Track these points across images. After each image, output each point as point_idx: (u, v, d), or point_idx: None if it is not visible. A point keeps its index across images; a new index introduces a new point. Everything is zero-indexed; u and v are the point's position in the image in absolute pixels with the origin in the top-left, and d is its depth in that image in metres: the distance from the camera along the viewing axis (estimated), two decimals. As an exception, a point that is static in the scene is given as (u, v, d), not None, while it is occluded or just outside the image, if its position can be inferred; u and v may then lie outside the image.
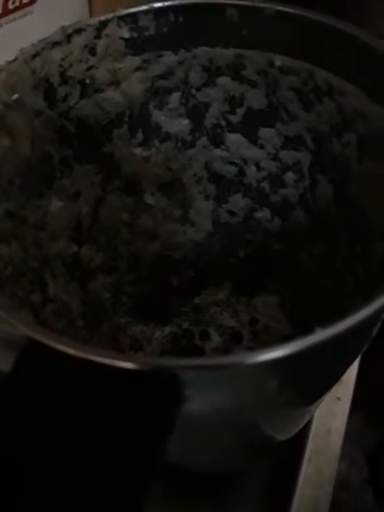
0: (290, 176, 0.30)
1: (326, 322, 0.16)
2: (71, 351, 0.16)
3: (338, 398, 0.38)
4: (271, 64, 0.27)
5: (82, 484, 0.18)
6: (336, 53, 0.25)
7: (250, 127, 0.30)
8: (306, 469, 0.35)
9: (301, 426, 0.32)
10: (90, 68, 0.27)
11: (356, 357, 0.22)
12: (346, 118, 0.26)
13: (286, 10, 0.25)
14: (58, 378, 0.17)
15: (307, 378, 0.20)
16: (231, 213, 0.34)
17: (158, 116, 0.29)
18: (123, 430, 0.18)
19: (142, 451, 0.18)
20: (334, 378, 0.23)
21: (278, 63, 0.26)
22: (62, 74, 0.26)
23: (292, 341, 0.15)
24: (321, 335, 0.15)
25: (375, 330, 0.19)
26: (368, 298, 0.16)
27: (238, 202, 0.33)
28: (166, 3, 0.26)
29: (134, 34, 0.27)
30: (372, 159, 0.25)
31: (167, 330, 0.34)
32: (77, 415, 0.18)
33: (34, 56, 0.25)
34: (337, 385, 0.39)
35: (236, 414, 0.21)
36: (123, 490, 0.18)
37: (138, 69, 0.28)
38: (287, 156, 0.30)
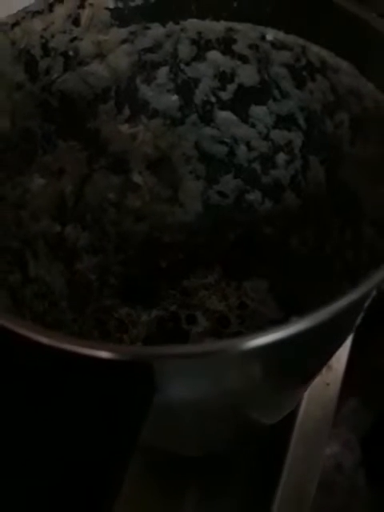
0: (281, 157, 0.29)
1: (314, 308, 0.15)
2: (44, 340, 0.15)
3: (328, 384, 0.38)
4: (263, 38, 0.26)
5: (55, 474, 0.17)
6: (330, 27, 0.24)
7: (240, 105, 0.29)
8: (294, 453, 0.35)
9: (287, 410, 0.31)
10: (73, 39, 0.25)
11: (342, 342, 0.21)
12: (339, 96, 0.25)
13: (279, -19, 0.24)
14: (32, 366, 0.17)
15: (292, 365, 0.19)
16: (222, 194, 0.33)
17: (146, 91, 0.28)
18: (99, 420, 0.18)
19: (120, 439, 0.18)
20: (321, 363, 0.23)
21: (269, 37, 0.25)
22: (44, 46, 0.25)
23: (273, 329, 0.15)
24: (305, 322, 0.15)
25: (360, 316, 0.19)
26: (355, 284, 0.16)
27: (228, 182, 0.32)
28: (153, -28, 0.25)
29: (120, 5, 0.25)
30: (364, 140, 0.24)
31: (154, 313, 0.33)
32: (51, 401, 0.17)
33: (14, 25, 0.24)
34: (326, 370, 0.39)
35: (220, 400, 0.21)
36: (99, 480, 0.17)
37: (124, 41, 0.26)
38: (279, 136, 0.29)
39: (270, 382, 0.20)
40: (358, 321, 0.19)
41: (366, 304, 0.18)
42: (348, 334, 0.20)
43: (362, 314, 0.19)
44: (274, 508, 0.33)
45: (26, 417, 0.17)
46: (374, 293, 0.18)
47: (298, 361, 0.19)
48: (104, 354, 0.15)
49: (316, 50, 0.25)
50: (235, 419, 0.26)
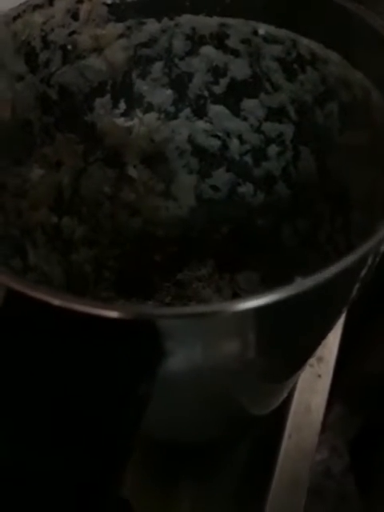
0: (272, 148, 0.30)
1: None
2: (46, 298, 0.15)
3: (319, 376, 0.39)
4: (255, 33, 0.27)
5: (55, 448, 0.18)
6: (318, 20, 0.25)
7: (233, 98, 0.30)
8: (287, 444, 0.36)
9: (279, 400, 0.32)
10: (72, 33, 0.26)
11: (337, 316, 0.22)
12: (329, 86, 0.26)
13: (270, -23, 0.25)
14: (30, 330, 0.17)
15: (286, 336, 0.20)
16: (214, 188, 0.34)
17: (141, 85, 0.29)
18: (100, 386, 0.18)
19: (120, 411, 0.18)
20: (314, 341, 0.24)
21: (261, 32, 0.26)
22: (44, 39, 0.26)
23: (270, 291, 0.15)
24: (298, 285, 0.16)
25: (355, 287, 0.20)
26: (351, 248, 0.17)
27: (221, 176, 0.33)
28: (149, -31, 0.26)
29: (117, 0, 0.26)
30: (353, 129, 0.25)
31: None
32: (50, 370, 0.18)
33: (15, 18, 0.24)
34: (318, 362, 0.40)
35: (215, 376, 0.21)
36: (101, 457, 0.18)
37: (120, 36, 0.27)
38: (270, 128, 0.30)
39: (264, 354, 0.20)
40: (355, 292, 0.20)
41: (363, 273, 0.19)
42: (343, 306, 0.21)
43: (358, 285, 0.20)
44: (268, 497, 0.34)
45: (29, 380, 0.18)
46: (370, 261, 0.19)
47: (292, 332, 0.20)
48: (109, 313, 0.15)
49: (306, 43, 0.26)
50: (231, 402, 0.26)
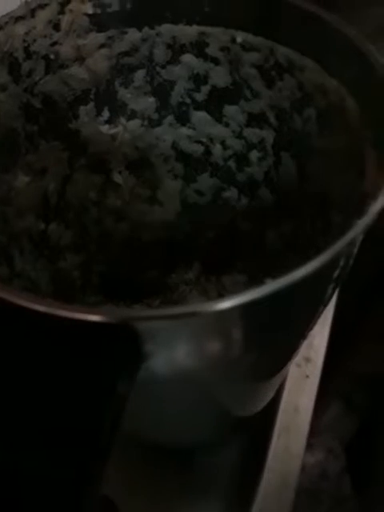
0: (254, 154, 0.31)
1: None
2: (28, 304, 0.16)
3: (307, 376, 0.39)
4: (233, 41, 0.27)
5: (36, 448, 0.18)
6: (294, 28, 0.25)
7: (214, 105, 0.30)
8: (276, 445, 0.36)
9: (266, 400, 0.32)
10: (54, 43, 0.27)
11: (314, 316, 0.22)
12: (306, 93, 0.26)
13: (246, -14, 0.26)
14: (12, 334, 0.18)
15: (266, 336, 0.20)
16: (199, 193, 0.34)
17: (124, 94, 0.30)
18: (82, 389, 0.18)
19: (102, 413, 0.18)
20: (294, 341, 0.24)
21: (239, 40, 0.27)
22: (26, 49, 0.26)
23: (249, 289, 0.16)
24: (269, 286, 0.16)
25: (330, 287, 0.20)
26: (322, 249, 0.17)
27: (205, 181, 0.34)
28: (128, -20, 0.27)
29: (98, 11, 0.27)
30: (330, 134, 0.26)
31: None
32: (32, 373, 0.18)
33: (-2, 30, 0.25)
34: (305, 363, 0.40)
35: (198, 376, 0.22)
36: (82, 456, 0.18)
37: (102, 46, 0.28)
38: (251, 134, 0.30)
39: (245, 353, 0.21)
40: (330, 292, 0.21)
41: (335, 274, 0.19)
42: (319, 306, 0.21)
43: (332, 285, 0.20)
44: (257, 498, 0.34)
45: (9, 382, 0.18)
46: (342, 263, 0.19)
47: (270, 331, 0.20)
48: (91, 318, 0.16)
49: (283, 51, 0.26)
50: (216, 403, 0.27)
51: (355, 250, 0.20)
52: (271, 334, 0.21)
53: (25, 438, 0.18)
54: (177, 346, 0.19)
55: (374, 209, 0.18)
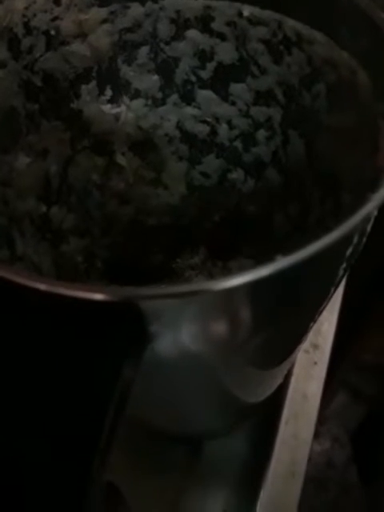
0: (261, 133, 0.30)
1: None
2: (30, 282, 0.15)
3: (315, 363, 0.39)
4: (240, 15, 0.26)
5: (38, 432, 0.17)
6: (303, 0, 0.24)
7: (220, 83, 0.29)
8: (284, 432, 0.36)
9: (273, 387, 0.32)
10: (54, 19, 0.26)
11: (324, 297, 0.21)
12: (316, 68, 0.25)
13: None
14: (14, 315, 0.17)
15: (271, 318, 0.20)
16: (205, 175, 0.34)
17: (127, 71, 0.29)
18: (82, 376, 0.18)
19: (105, 399, 0.18)
20: (302, 323, 0.23)
21: (246, 13, 0.26)
22: (26, 25, 0.25)
23: (257, 267, 0.15)
24: (279, 262, 0.15)
25: (342, 267, 0.19)
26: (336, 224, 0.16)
27: (211, 162, 0.33)
28: None
29: (100, -16, 0.26)
30: (340, 110, 0.25)
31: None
32: (33, 355, 0.17)
33: (-4, 4, 0.24)
34: (313, 349, 0.40)
35: (205, 361, 0.21)
36: (85, 441, 0.17)
37: (104, 21, 0.27)
38: (259, 112, 0.29)
39: (252, 335, 0.20)
40: (342, 272, 0.20)
41: (348, 252, 0.19)
42: (329, 287, 0.21)
43: (344, 264, 0.19)
44: (265, 485, 0.33)
45: (10, 365, 0.17)
46: (355, 240, 0.19)
47: (278, 312, 0.20)
48: (93, 296, 0.15)
49: (291, 24, 0.25)
50: (223, 388, 0.26)
51: (369, 227, 0.20)
52: (280, 316, 0.20)
53: (26, 424, 0.17)
54: (183, 327, 0.18)
55: (389, 183, 0.17)
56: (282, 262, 0.15)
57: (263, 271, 0.15)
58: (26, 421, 0.17)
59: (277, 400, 0.35)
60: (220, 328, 0.19)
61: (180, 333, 0.18)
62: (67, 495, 0.17)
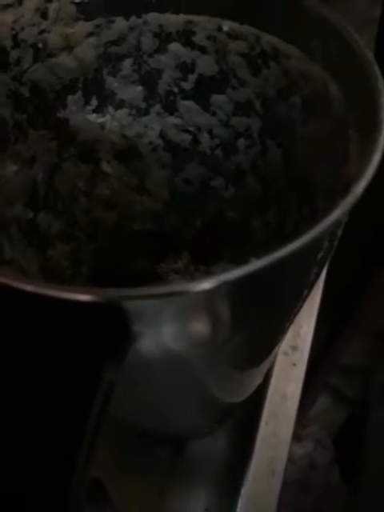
0: (241, 142, 0.31)
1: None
2: (16, 283, 0.16)
3: (294, 364, 0.40)
4: (219, 29, 0.28)
5: (21, 431, 0.18)
6: (279, 16, 0.26)
7: (202, 94, 0.30)
8: (264, 431, 0.36)
9: (253, 386, 0.33)
10: (42, 32, 0.27)
11: (297, 299, 0.23)
12: (291, 80, 0.27)
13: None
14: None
15: (247, 319, 0.21)
16: (187, 182, 0.35)
17: (112, 82, 0.30)
18: (66, 376, 0.18)
19: (88, 399, 0.18)
20: (278, 325, 0.24)
21: (225, 28, 0.27)
22: (14, 37, 0.26)
23: (233, 268, 0.16)
24: (253, 265, 0.16)
25: (313, 271, 0.21)
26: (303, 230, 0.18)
27: (193, 170, 0.34)
28: (115, -32, 0.27)
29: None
30: (314, 120, 0.26)
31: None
32: (16, 356, 0.18)
33: (-15, 17, 0.25)
34: (293, 351, 0.41)
35: (185, 361, 0.22)
36: (67, 440, 0.18)
37: (90, 34, 0.28)
38: (238, 122, 0.31)
39: (230, 336, 0.21)
40: (313, 275, 0.21)
41: (319, 256, 0.20)
42: (303, 289, 0.22)
43: (316, 268, 0.21)
44: (245, 484, 0.34)
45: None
46: (326, 244, 0.20)
47: (254, 313, 0.21)
48: (78, 297, 0.16)
49: (268, 39, 0.27)
50: (204, 388, 0.27)
51: (339, 232, 0.21)
52: (257, 317, 0.21)
53: (9, 423, 0.18)
54: (164, 328, 0.19)
55: (357, 190, 0.18)
56: (255, 265, 0.16)
57: (238, 273, 0.16)
58: (8, 420, 0.18)
59: (257, 400, 0.36)
60: (200, 328, 0.20)
61: (161, 333, 0.19)
62: (51, 493, 0.17)
